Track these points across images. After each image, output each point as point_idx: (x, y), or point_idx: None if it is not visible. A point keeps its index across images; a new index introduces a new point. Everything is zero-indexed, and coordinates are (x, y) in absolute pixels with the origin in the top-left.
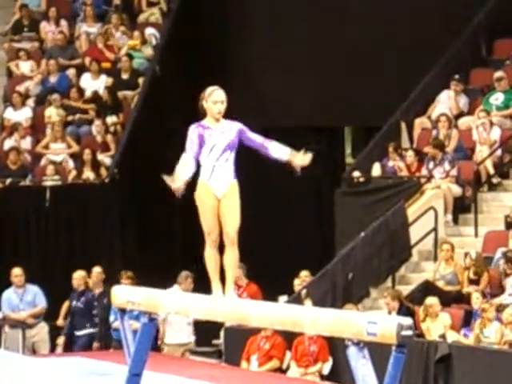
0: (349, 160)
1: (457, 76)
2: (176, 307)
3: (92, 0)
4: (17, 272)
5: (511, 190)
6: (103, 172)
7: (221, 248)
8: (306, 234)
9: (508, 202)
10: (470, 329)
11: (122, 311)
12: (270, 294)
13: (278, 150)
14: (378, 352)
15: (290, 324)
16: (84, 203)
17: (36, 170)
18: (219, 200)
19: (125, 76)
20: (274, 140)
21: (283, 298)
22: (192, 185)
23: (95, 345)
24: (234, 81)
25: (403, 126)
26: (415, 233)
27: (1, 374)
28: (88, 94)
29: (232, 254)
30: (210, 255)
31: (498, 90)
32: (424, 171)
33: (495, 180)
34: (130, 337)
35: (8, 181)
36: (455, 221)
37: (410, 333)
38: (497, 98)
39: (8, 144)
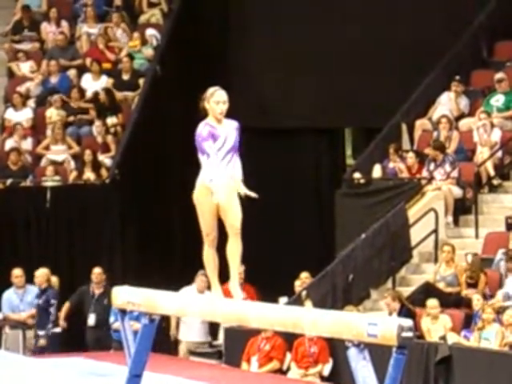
0: (349, 161)
1: (457, 77)
2: (176, 308)
3: (93, 1)
4: (17, 273)
5: (511, 191)
6: (104, 173)
7: (218, 249)
8: (306, 235)
9: (508, 204)
10: (470, 330)
11: (123, 312)
12: (270, 295)
13: (237, 166)
14: (378, 353)
15: (291, 325)
16: (84, 204)
17: (36, 171)
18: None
19: (125, 77)
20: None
21: (283, 300)
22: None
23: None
24: (235, 81)
25: (404, 127)
26: (416, 234)
27: (1, 374)
28: (88, 94)
29: (236, 245)
30: (208, 255)
31: (499, 91)
32: (425, 173)
33: (496, 181)
34: (131, 338)
35: (9, 181)
36: (456, 222)
37: (410, 334)
38: (497, 100)
39: (9, 144)
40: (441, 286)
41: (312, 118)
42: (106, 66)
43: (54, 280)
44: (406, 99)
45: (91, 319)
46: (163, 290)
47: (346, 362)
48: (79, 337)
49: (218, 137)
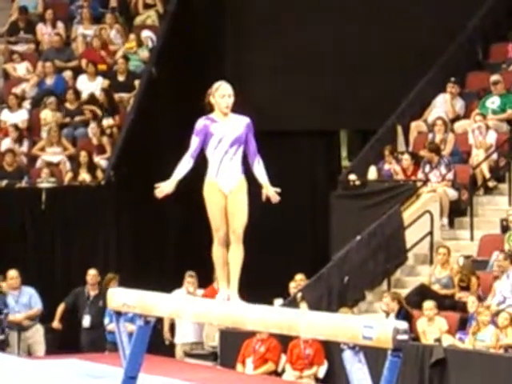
0: (345, 163)
1: (453, 79)
2: (171, 310)
3: (88, 2)
4: (12, 274)
5: (507, 193)
6: (99, 174)
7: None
8: (301, 236)
9: (503, 206)
10: (465, 333)
11: (118, 314)
12: (265, 297)
13: (259, 174)
14: (373, 356)
15: (286, 328)
16: (80, 205)
17: (32, 172)
18: (226, 196)
19: (121, 78)
20: (261, 159)
21: (278, 302)
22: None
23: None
24: (231, 84)
25: (399, 129)
26: (411, 236)
27: None
28: (84, 96)
29: (238, 252)
30: (217, 252)
31: (494, 93)
32: (420, 175)
33: (491, 184)
34: (126, 339)
35: (4, 182)
36: (451, 224)
37: (405, 337)
38: (493, 102)
39: (4, 146)
40: (436, 288)
41: (307, 120)
42: (102, 67)
43: (4, 285)
44: (402, 101)
45: (86, 321)
46: (158, 291)
47: (341, 364)
48: (74, 338)
49: (212, 134)
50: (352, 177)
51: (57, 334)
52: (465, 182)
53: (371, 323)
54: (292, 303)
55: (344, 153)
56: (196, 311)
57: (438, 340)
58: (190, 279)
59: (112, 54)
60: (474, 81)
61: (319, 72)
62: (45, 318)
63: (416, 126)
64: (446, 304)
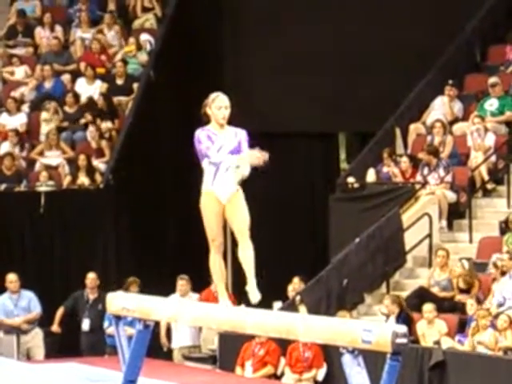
0: (343, 166)
1: (450, 81)
2: (170, 314)
3: (87, 6)
4: (11, 278)
5: (505, 195)
6: (98, 178)
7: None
8: (300, 239)
9: (502, 208)
10: (464, 335)
11: (117, 318)
12: (264, 300)
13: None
14: (373, 359)
15: (285, 332)
16: (79, 209)
17: (31, 176)
18: (223, 206)
19: (119, 81)
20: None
21: (278, 304)
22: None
23: None
24: (229, 87)
25: (398, 131)
26: (410, 239)
27: None
28: (83, 99)
29: (248, 249)
30: (214, 261)
31: (493, 95)
32: (419, 177)
33: (489, 186)
34: (125, 343)
35: (2, 186)
36: (450, 227)
37: (404, 341)
38: (491, 104)
39: (3, 149)
40: (435, 290)
41: (306, 122)
42: (100, 70)
43: None
44: (400, 104)
45: (85, 324)
46: (157, 295)
47: (340, 367)
48: (73, 342)
49: (213, 142)
50: (351, 179)
51: (56, 337)
52: (463, 185)
53: (370, 327)
54: (291, 306)
55: (343, 155)
56: (195, 315)
57: (438, 343)
58: (181, 282)
59: (110, 58)
60: (472, 83)
61: (318, 74)
62: (44, 321)
63: (414, 128)
64: (445, 306)
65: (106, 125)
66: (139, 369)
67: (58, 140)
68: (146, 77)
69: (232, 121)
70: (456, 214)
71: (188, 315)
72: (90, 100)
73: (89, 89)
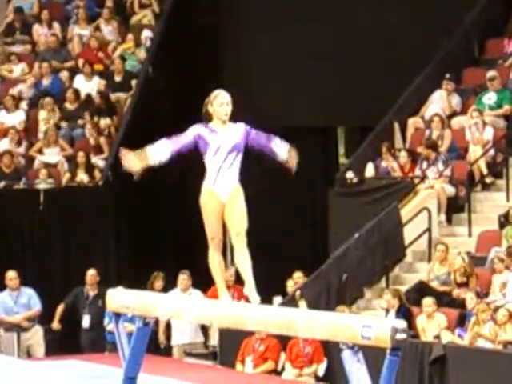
0: (342, 160)
1: (448, 75)
2: (171, 311)
3: (84, 2)
4: (11, 275)
5: (504, 189)
6: (97, 175)
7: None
8: (299, 234)
9: (501, 202)
10: (464, 329)
11: (117, 315)
12: (264, 295)
13: (277, 146)
14: (373, 354)
15: (285, 328)
16: (78, 206)
17: (29, 173)
18: (223, 204)
19: (118, 78)
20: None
21: (278, 299)
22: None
23: None
24: (228, 81)
25: (396, 126)
26: (409, 233)
27: None
28: (81, 96)
29: (245, 253)
30: (214, 259)
31: (491, 89)
32: (417, 171)
33: (488, 180)
34: (125, 340)
35: (2, 184)
36: (449, 221)
37: (404, 336)
38: (489, 98)
39: (1, 147)
40: (434, 284)
41: (304, 117)
42: (98, 67)
43: None
44: (398, 98)
45: (85, 321)
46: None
47: (340, 362)
48: (74, 339)
49: (209, 143)
50: (349, 174)
51: (56, 334)
52: (462, 179)
53: (369, 322)
54: (291, 301)
55: (341, 150)
56: (195, 312)
57: (437, 337)
58: (182, 276)
59: (108, 54)
60: (470, 77)
61: (317, 69)
62: (44, 318)
63: (413, 122)
64: (444, 301)
65: (104, 121)
66: (139, 365)
67: (56, 137)
68: (145, 73)
69: (232, 115)
70: (455, 208)
71: (188, 312)
72: (88, 97)
73: (87, 85)
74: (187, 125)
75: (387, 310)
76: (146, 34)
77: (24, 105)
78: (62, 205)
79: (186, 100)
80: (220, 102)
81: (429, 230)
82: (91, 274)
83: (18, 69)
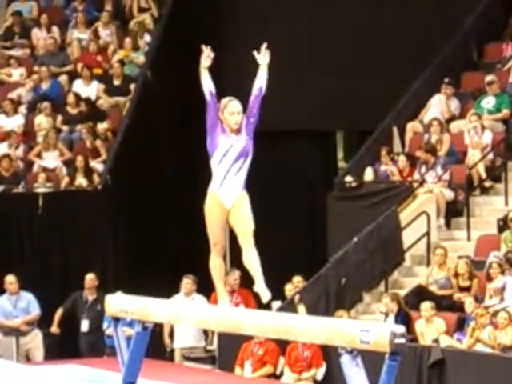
0: (341, 164)
1: (447, 80)
2: (169, 316)
3: (83, 6)
4: (10, 279)
5: (503, 193)
6: (96, 178)
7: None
8: (298, 238)
9: (500, 206)
10: (463, 333)
11: (116, 319)
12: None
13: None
14: (373, 358)
15: (283, 333)
16: (77, 210)
17: (28, 177)
18: (228, 211)
19: (117, 82)
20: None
21: (277, 304)
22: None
23: None
24: (227, 86)
25: (395, 130)
26: (408, 237)
27: None
28: (81, 100)
29: (253, 252)
30: (215, 264)
31: (490, 93)
32: (416, 176)
33: (487, 184)
34: (124, 345)
35: (1, 188)
36: (448, 225)
37: (403, 341)
38: (488, 102)
39: (0, 151)
40: (433, 289)
41: (303, 121)
42: (97, 71)
43: None
44: (397, 102)
45: (84, 325)
46: (156, 297)
47: (339, 366)
48: (73, 343)
49: (217, 145)
50: (348, 178)
51: (55, 338)
52: (461, 183)
53: (368, 327)
54: (290, 306)
55: (340, 154)
56: (193, 317)
57: (436, 341)
58: (186, 280)
59: (108, 58)
60: (469, 81)
61: (316, 73)
62: (43, 322)
63: (412, 126)
64: (443, 305)
65: (102, 125)
66: (138, 370)
67: (55, 141)
68: (143, 77)
69: None
70: (454, 212)
71: (186, 317)
72: (87, 101)
73: (86, 90)
74: (186, 128)
75: (386, 314)
76: (145, 38)
77: (23, 109)
78: (61, 209)
79: (184, 104)
80: (231, 110)
81: (428, 234)
82: (90, 278)
83: (16, 73)
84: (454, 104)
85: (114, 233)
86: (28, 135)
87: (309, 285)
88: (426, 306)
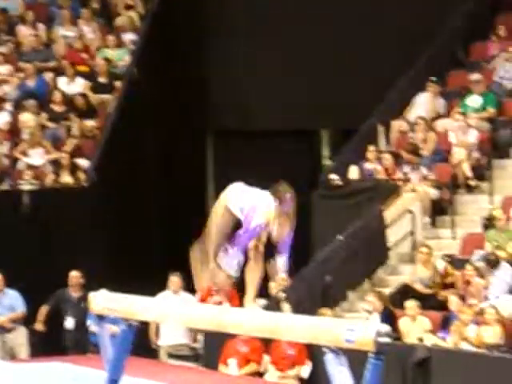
0: (326, 163)
1: (433, 78)
2: (153, 314)
3: (69, 3)
4: None
5: (488, 192)
6: (81, 176)
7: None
8: None
9: (485, 205)
10: (447, 332)
11: (100, 317)
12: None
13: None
14: (359, 357)
15: (268, 331)
16: (62, 207)
17: (14, 175)
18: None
19: (102, 79)
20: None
21: (261, 302)
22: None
23: None
24: (213, 84)
25: (380, 128)
26: (393, 235)
27: None
28: (66, 97)
29: (251, 266)
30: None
31: (475, 92)
32: (400, 174)
33: (472, 182)
34: (109, 343)
35: None
36: (433, 223)
37: (387, 340)
38: (474, 101)
39: None
40: (418, 287)
41: (288, 119)
42: (83, 68)
43: None
44: (383, 100)
45: (69, 322)
46: (141, 295)
47: (325, 365)
48: (58, 340)
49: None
50: (333, 176)
51: (40, 336)
52: (446, 181)
53: (353, 326)
54: (274, 304)
55: (325, 152)
56: (178, 315)
57: (421, 339)
58: (173, 278)
59: (93, 56)
60: (454, 79)
61: (301, 71)
62: (28, 320)
63: (397, 125)
64: (428, 303)
65: (89, 123)
66: (122, 368)
67: (41, 139)
68: (129, 75)
69: (217, 117)
70: (439, 210)
71: (171, 315)
72: (73, 98)
73: (71, 87)
74: (172, 125)
75: (371, 313)
76: (131, 35)
77: (8, 106)
78: (46, 206)
79: (170, 100)
80: None
81: (412, 232)
82: (74, 275)
83: (2, 69)
84: (440, 102)
85: (99, 230)
86: (13, 132)
87: (293, 283)
88: (411, 305)
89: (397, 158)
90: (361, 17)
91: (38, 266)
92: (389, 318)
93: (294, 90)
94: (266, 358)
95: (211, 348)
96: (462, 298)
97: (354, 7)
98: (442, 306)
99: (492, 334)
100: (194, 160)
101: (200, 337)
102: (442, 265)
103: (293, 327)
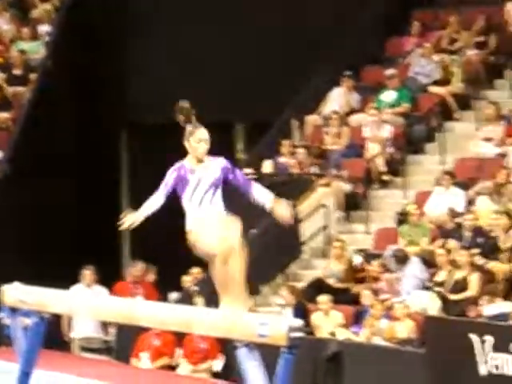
0: (240, 156)
1: (347, 73)
2: (65, 307)
3: None
4: None
5: (402, 187)
6: None
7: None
8: None
9: (399, 199)
10: (359, 326)
11: (13, 310)
12: (159, 291)
13: (260, 195)
14: (273, 351)
15: (180, 325)
16: None
17: None
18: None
19: (17, 71)
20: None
21: (174, 295)
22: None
23: None
24: (128, 76)
25: (295, 122)
26: (307, 230)
27: None
28: None
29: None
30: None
31: (390, 87)
32: (313, 169)
33: (386, 177)
34: (21, 335)
35: None
36: (347, 218)
37: (300, 334)
38: (388, 96)
39: None
40: (331, 281)
41: (202, 112)
42: None
43: None
44: (297, 95)
45: None
46: (56, 287)
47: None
48: None
49: (188, 181)
50: (247, 170)
51: None
52: (360, 176)
53: (266, 320)
54: (187, 298)
55: (239, 146)
56: (91, 308)
57: (333, 334)
58: (86, 272)
59: (8, 47)
60: (369, 75)
61: (216, 64)
62: None
63: (311, 119)
64: (341, 298)
65: (2, 115)
66: (35, 361)
67: None
68: (44, 66)
69: (133, 109)
70: (353, 205)
71: (83, 308)
72: None
73: None
74: (88, 117)
75: (284, 307)
76: (45, 27)
77: None
78: None
79: (86, 92)
80: (198, 138)
81: (326, 226)
82: None
83: None
84: (355, 97)
85: (13, 222)
86: None
87: (207, 276)
88: (324, 299)
89: (311, 152)
90: (275, 13)
91: None
92: (302, 312)
93: (209, 84)
94: (179, 352)
95: (124, 341)
96: (375, 293)
97: (268, 4)
98: (355, 300)
99: (404, 329)
100: (108, 154)
101: (112, 330)
102: (359, 260)
103: (205, 321)
